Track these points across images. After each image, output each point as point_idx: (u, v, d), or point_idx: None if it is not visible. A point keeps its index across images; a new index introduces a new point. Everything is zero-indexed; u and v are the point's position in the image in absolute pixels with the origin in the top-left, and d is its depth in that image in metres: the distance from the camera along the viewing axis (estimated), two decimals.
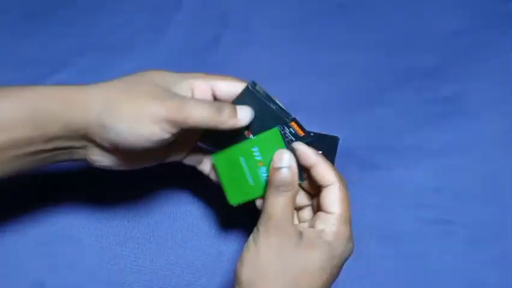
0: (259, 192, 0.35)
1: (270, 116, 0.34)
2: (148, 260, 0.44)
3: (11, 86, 0.31)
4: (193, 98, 0.33)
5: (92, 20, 0.60)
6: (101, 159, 0.33)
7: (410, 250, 0.45)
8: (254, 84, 0.33)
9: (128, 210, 0.46)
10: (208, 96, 0.34)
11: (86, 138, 0.31)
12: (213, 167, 0.38)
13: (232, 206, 0.37)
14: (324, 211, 0.33)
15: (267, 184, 0.33)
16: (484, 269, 0.45)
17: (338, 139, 0.52)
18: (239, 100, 0.34)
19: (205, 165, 0.39)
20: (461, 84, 0.57)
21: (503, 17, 0.62)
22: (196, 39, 0.60)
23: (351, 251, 0.34)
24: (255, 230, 0.33)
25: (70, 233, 0.44)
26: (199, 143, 0.39)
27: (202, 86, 0.33)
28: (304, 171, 0.35)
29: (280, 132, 0.34)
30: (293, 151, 0.34)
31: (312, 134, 0.52)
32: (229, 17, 0.61)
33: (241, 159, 0.35)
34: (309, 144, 0.50)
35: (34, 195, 0.46)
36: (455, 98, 0.56)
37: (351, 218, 0.33)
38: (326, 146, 0.51)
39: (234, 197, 0.36)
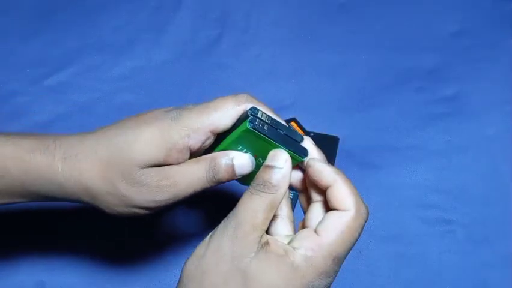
0: None
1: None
2: (148, 260, 0.44)
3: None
4: (181, 169, 0.30)
5: (92, 20, 0.60)
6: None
7: (410, 250, 0.45)
8: (255, 111, 0.29)
9: None
10: (206, 133, 0.29)
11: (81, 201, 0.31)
12: None
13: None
14: (314, 230, 0.27)
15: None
16: (484, 269, 0.45)
17: (338, 139, 0.52)
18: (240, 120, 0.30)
19: None
20: (461, 84, 0.57)
21: (504, 17, 0.62)
22: (196, 39, 0.60)
23: None
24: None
25: (69, 233, 0.44)
26: None
27: (196, 136, 0.29)
28: (318, 191, 0.30)
29: (251, 128, 0.28)
30: (306, 167, 0.30)
31: (312, 134, 0.52)
32: (229, 17, 0.61)
33: None
34: None
35: None
36: (455, 98, 0.56)
37: (344, 259, 0.28)
38: (326, 146, 0.51)
39: None
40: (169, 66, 0.57)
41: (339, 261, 0.27)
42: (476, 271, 0.45)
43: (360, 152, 0.51)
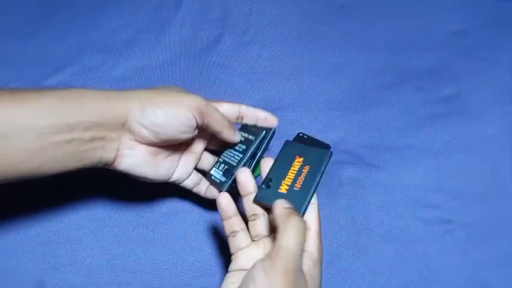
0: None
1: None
2: (148, 260, 0.44)
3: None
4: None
5: (92, 20, 0.60)
6: (130, 153, 0.36)
7: (410, 250, 0.45)
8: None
9: (129, 210, 0.46)
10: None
11: (124, 126, 0.35)
12: None
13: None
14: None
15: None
16: (484, 269, 0.45)
17: (330, 147, 0.46)
18: None
19: (201, 186, 0.43)
20: (461, 84, 0.57)
21: (504, 17, 0.62)
22: (196, 39, 0.60)
23: None
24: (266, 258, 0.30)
25: (70, 233, 0.44)
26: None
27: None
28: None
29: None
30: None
31: (305, 137, 0.51)
32: (229, 17, 0.61)
33: None
34: (303, 143, 0.48)
35: (35, 195, 0.46)
36: (455, 98, 0.56)
37: None
38: (315, 154, 0.39)
39: None
40: (169, 66, 0.57)
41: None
42: (476, 271, 0.45)
43: (360, 152, 0.51)
